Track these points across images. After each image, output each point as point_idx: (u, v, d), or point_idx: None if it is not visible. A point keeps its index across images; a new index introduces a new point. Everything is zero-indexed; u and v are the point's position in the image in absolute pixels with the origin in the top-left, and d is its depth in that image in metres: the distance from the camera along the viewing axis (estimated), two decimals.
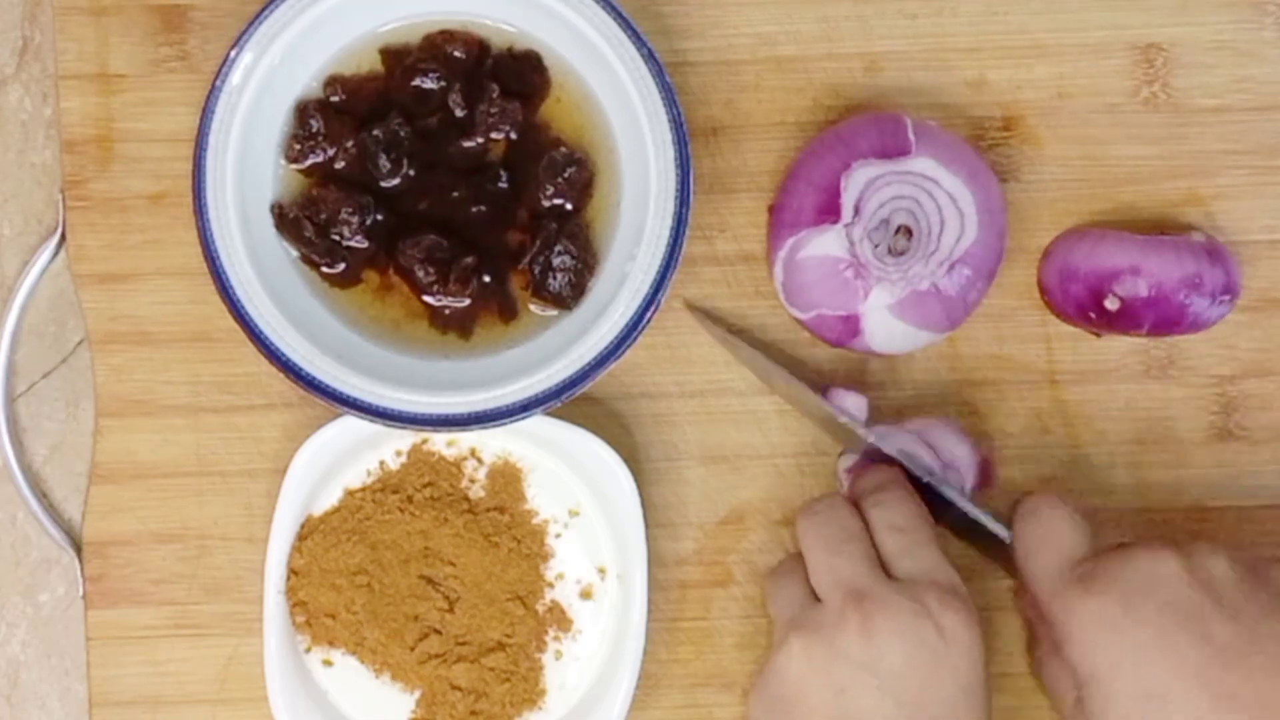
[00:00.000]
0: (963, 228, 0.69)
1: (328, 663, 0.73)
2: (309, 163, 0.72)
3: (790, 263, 0.71)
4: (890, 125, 0.71)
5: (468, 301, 0.72)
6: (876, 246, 0.69)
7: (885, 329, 0.70)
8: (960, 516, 0.70)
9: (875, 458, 0.71)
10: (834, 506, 0.68)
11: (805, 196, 0.71)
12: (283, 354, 0.70)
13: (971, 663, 0.64)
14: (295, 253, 0.72)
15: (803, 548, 0.68)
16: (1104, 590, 0.64)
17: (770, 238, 0.73)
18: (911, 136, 0.70)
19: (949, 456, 0.72)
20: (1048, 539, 0.67)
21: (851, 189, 0.69)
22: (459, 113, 0.72)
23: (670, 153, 0.70)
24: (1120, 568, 0.64)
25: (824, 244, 0.70)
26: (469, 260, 0.71)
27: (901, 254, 0.69)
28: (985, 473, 0.73)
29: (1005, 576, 0.74)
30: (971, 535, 0.71)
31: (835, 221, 0.69)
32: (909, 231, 0.69)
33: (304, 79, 0.72)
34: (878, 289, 0.69)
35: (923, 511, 0.68)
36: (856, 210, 0.69)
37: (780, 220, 0.72)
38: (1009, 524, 0.69)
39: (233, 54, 0.70)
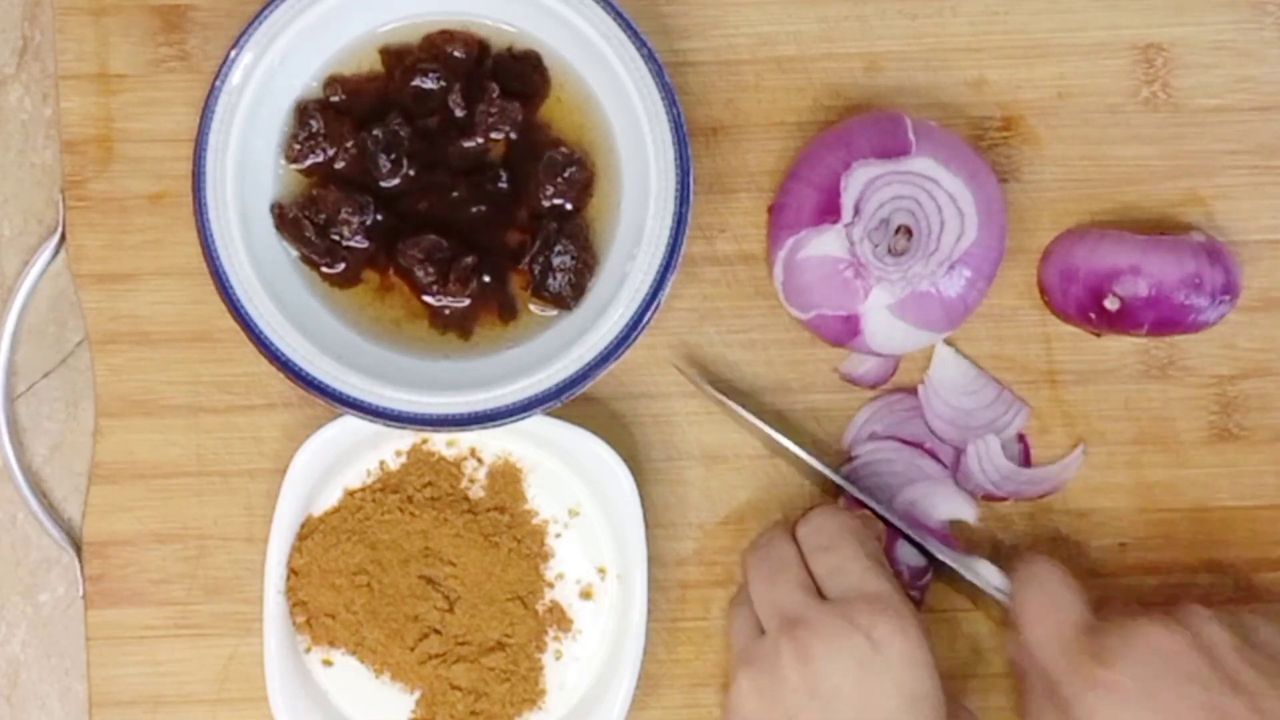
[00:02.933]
0: (963, 228, 0.69)
1: (328, 663, 0.73)
2: (309, 163, 0.72)
3: (790, 263, 0.71)
4: (890, 125, 0.71)
5: (468, 301, 0.72)
6: (876, 246, 0.69)
7: (885, 329, 0.70)
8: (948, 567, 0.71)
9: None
10: (772, 538, 0.70)
11: (805, 196, 0.71)
12: (283, 354, 0.70)
13: (914, 667, 0.64)
14: (295, 253, 0.72)
15: (747, 581, 0.69)
16: (1119, 667, 0.64)
17: (770, 238, 0.73)
18: (911, 136, 0.70)
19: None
20: (1050, 607, 0.68)
21: (851, 189, 0.69)
22: (459, 113, 0.72)
23: (670, 153, 0.70)
24: (1131, 641, 0.65)
25: (824, 244, 0.70)
26: (469, 260, 0.71)
27: (901, 254, 0.69)
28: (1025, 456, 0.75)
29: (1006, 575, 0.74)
30: (957, 580, 0.72)
31: (835, 221, 0.69)
32: (909, 231, 0.69)
33: (304, 79, 0.72)
34: (878, 289, 0.69)
35: (849, 525, 0.69)
36: (856, 210, 0.69)
37: (780, 220, 0.72)
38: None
39: (233, 54, 0.70)
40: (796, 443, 0.72)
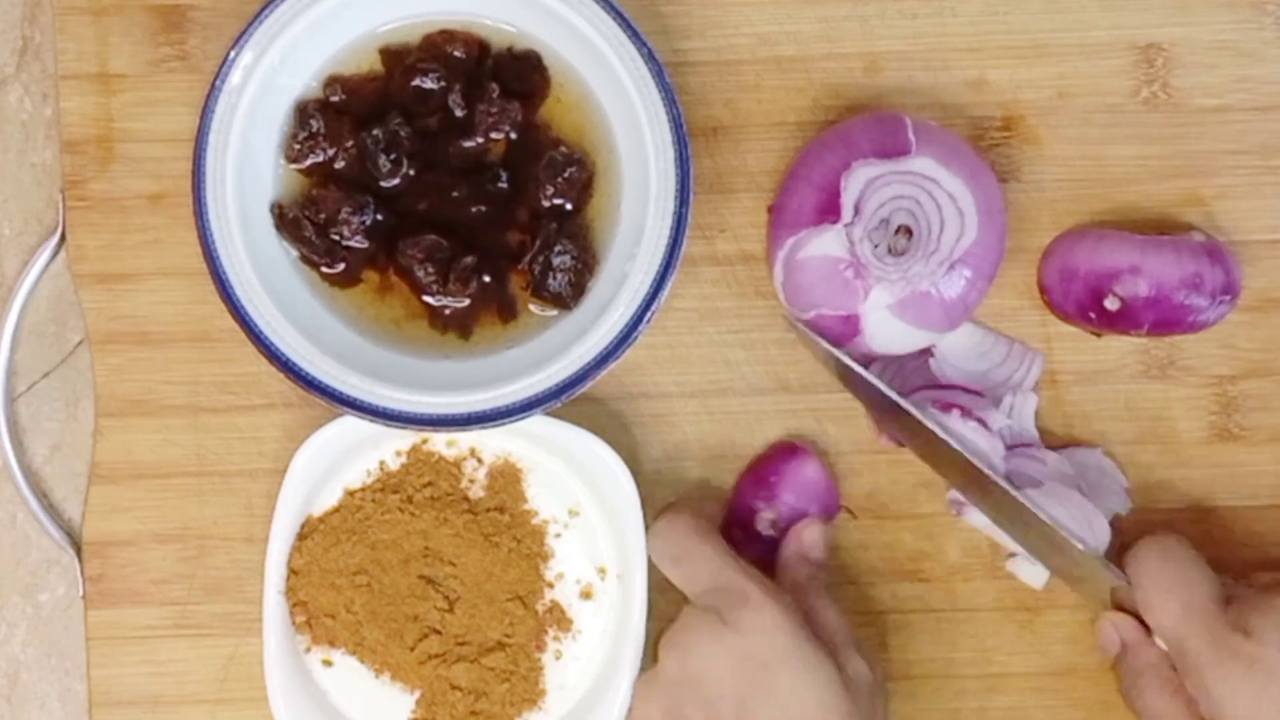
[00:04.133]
0: (963, 228, 0.69)
1: (328, 663, 0.73)
2: (309, 163, 0.72)
3: (790, 263, 0.71)
4: (890, 125, 0.71)
5: (468, 301, 0.72)
6: (876, 246, 0.69)
7: (885, 329, 0.70)
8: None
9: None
10: (667, 528, 0.72)
11: (805, 196, 0.71)
12: (283, 354, 0.70)
13: (773, 641, 0.66)
14: (295, 253, 0.72)
15: None
16: (1264, 637, 0.65)
17: (770, 238, 0.73)
18: (911, 136, 0.70)
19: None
20: (1181, 580, 0.68)
21: (851, 189, 0.69)
22: (459, 113, 0.72)
23: (670, 153, 0.70)
24: (1273, 615, 0.65)
25: (824, 244, 0.70)
26: (469, 260, 0.71)
27: (901, 254, 0.69)
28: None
29: (1010, 575, 0.74)
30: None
31: (835, 221, 0.69)
32: (909, 231, 0.69)
33: (304, 79, 0.72)
34: (877, 289, 0.69)
35: (689, 525, 0.70)
36: (856, 210, 0.69)
37: (780, 220, 0.72)
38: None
39: (233, 54, 0.70)
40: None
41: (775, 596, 0.67)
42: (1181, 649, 0.67)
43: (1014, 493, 0.70)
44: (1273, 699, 0.64)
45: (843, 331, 0.71)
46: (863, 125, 0.71)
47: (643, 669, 0.72)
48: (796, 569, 0.71)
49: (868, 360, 0.74)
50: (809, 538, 0.72)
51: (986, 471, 0.70)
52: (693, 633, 0.67)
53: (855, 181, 0.69)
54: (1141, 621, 0.70)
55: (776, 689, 0.65)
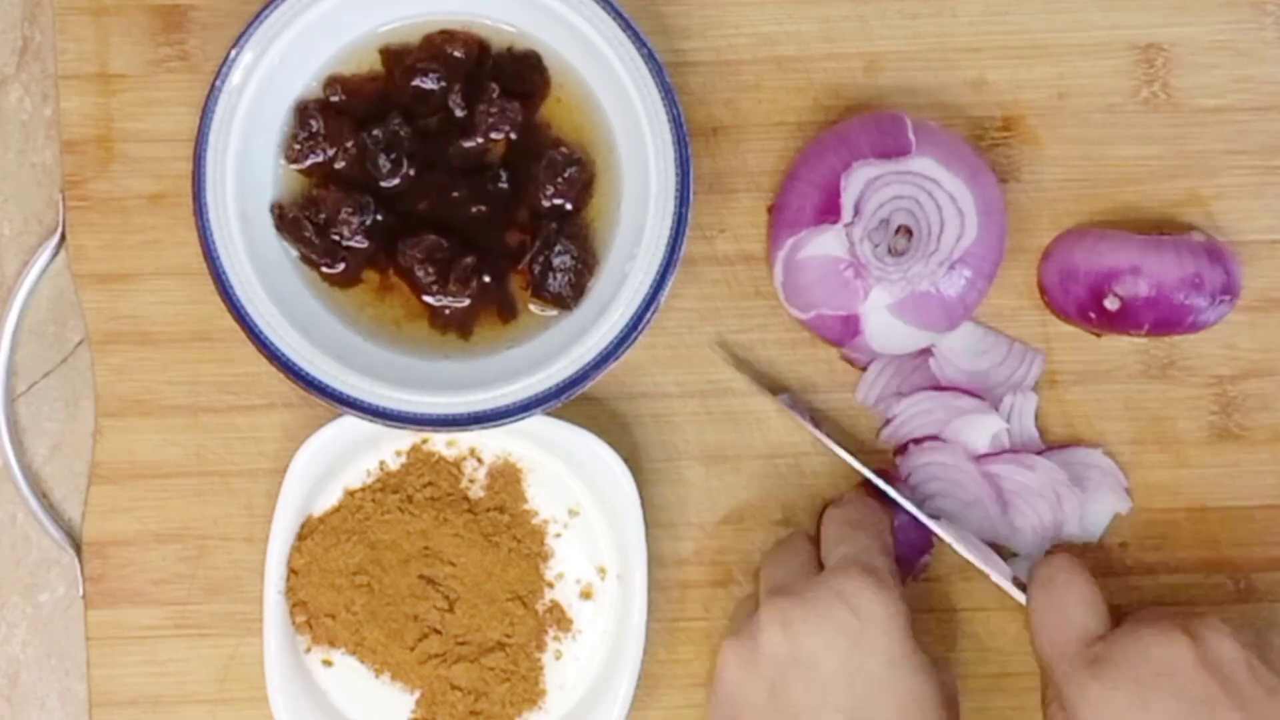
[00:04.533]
0: (963, 228, 0.69)
1: (328, 663, 0.73)
2: (309, 163, 0.72)
3: (790, 263, 0.71)
4: (890, 125, 0.71)
5: (468, 301, 0.72)
6: (876, 246, 0.69)
7: (885, 329, 0.70)
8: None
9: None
10: (790, 540, 0.71)
11: (805, 196, 0.71)
12: (283, 354, 0.70)
13: (891, 636, 0.64)
14: (295, 253, 0.72)
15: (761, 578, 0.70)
16: (1115, 680, 0.64)
17: (770, 238, 0.73)
18: (911, 136, 0.70)
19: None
20: (1062, 613, 0.67)
21: (851, 189, 0.69)
22: (459, 113, 0.72)
23: (670, 153, 0.70)
24: (1129, 654, 0.64)
25: (824, 244, 0.70)
26: (469, 260, 0.71)
27: (901, 254, 0.69)
28: None
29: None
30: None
31: (835, 221, 0.69)
32: (909, 231, 0.69)
33: (304, 79, 0.72)
34: (877, 289, 0.69)
35: (878, 512, 0.70)
36: (856, 210, 0.69)
37: (780, 220, 0.72)
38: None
39: (233, 54, 0.70)
40: (835, 440, 0.73)
41: (901, 595, 0.66)
42: (1051, 678, 0.66)
43: (930, 524, 0.71)
44: None
45: (843, 331, 0.71)
46: (863, 125, 0.71)
47: (643, 669, 0.72)
48: None
49: (868, 360, 0.74)
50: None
51: (907, 506, 0.71)
52: (811, 606, 0.65)
53: (855, 181, 0.69)
54: None
55: (893, 687, 0.64)
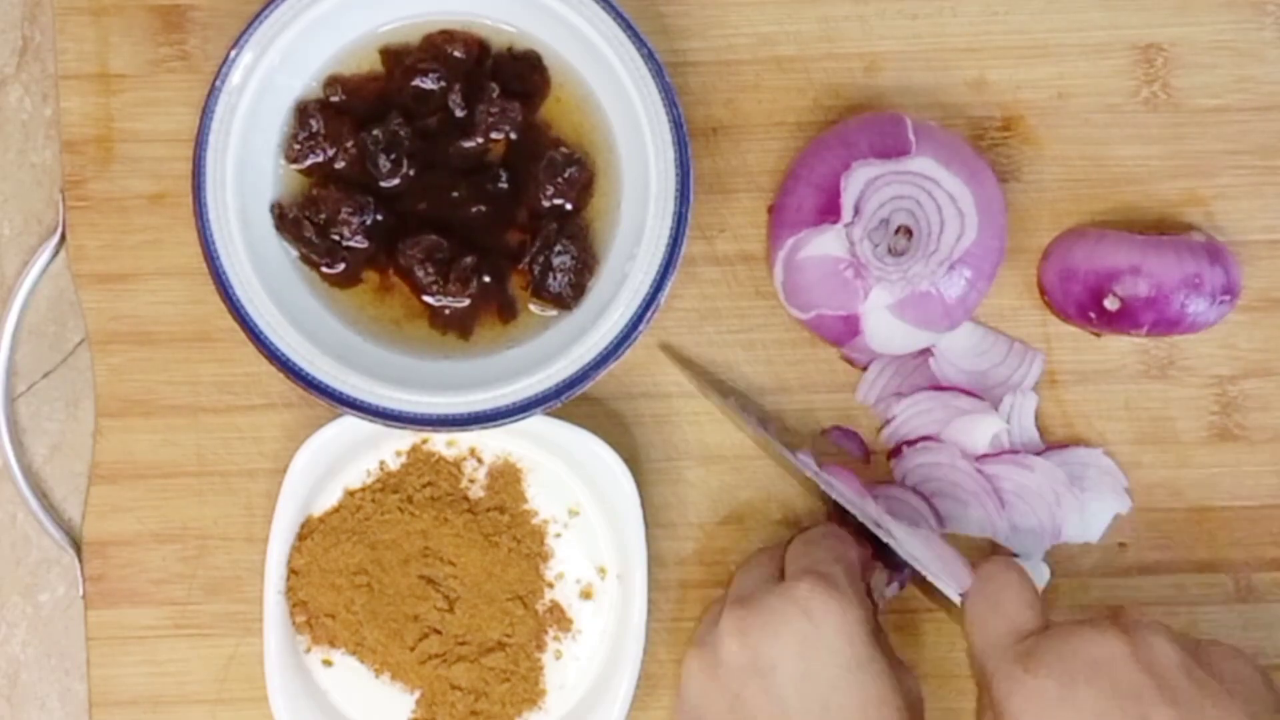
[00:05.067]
0: (963, 228, 0.69)
1: (328, 663, 0.73)
2: (309, 163, 0.72)
3: (790, 263, 0.71)
4: (890, 125, 0.71)
5: (468, 301, 0.72)
6: (876, 246, 0.69)
7: (885, 329, 0.70)
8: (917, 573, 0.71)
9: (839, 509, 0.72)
10: (758, 555, 0.71)
11: (805, 196, 0.71)
12: (283, 354, 0.70)
13: (848, 639, 0.64)
14: (295, 253, 0.72)
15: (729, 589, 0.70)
16: (1043, 672, 0.62)
17: (770, 238, 0.73)
18: (911, 136, 0.70)
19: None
20: (995, 609, 0.66)
21: (851, 189, 0.69)
22: (459, 113, 0.72)
23: (670, 153, 0.70)
24: (1061, 647, 0.63)
25: (824, 244, 0.70)
26: (469, 260, 0.71)
27: (901, 254, 0.69)
28: None
29: None
30: (935, 594, 0.71)
31: (835, 221, 0.69)
32: (909, 231, 0.69)
33: (304, 79, 0.72)
34: (877, 289, 0.69)
35: (839, 535, 0.70)
36: (856, 210, 0.69)
37: (780, 220, 0.72)
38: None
39: (233, 54, 0.70)
40: (784, 443, 0.73)
41: (861, 600, 0.66)
42: (983, 675, 0.65)
43: (882, 533, 0.70)
44: None
45: (843, 331, 0.71)
46: (863, 125, 0.71)
47: (643, 669, 0.72)
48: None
49: (868, 359, 0.74)
50: (875, 581, 0.72)
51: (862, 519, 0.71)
52: (768, 615, 0.65)
53: (855, 181, 0.69)
54: None
55: (851, 691, 0.64)
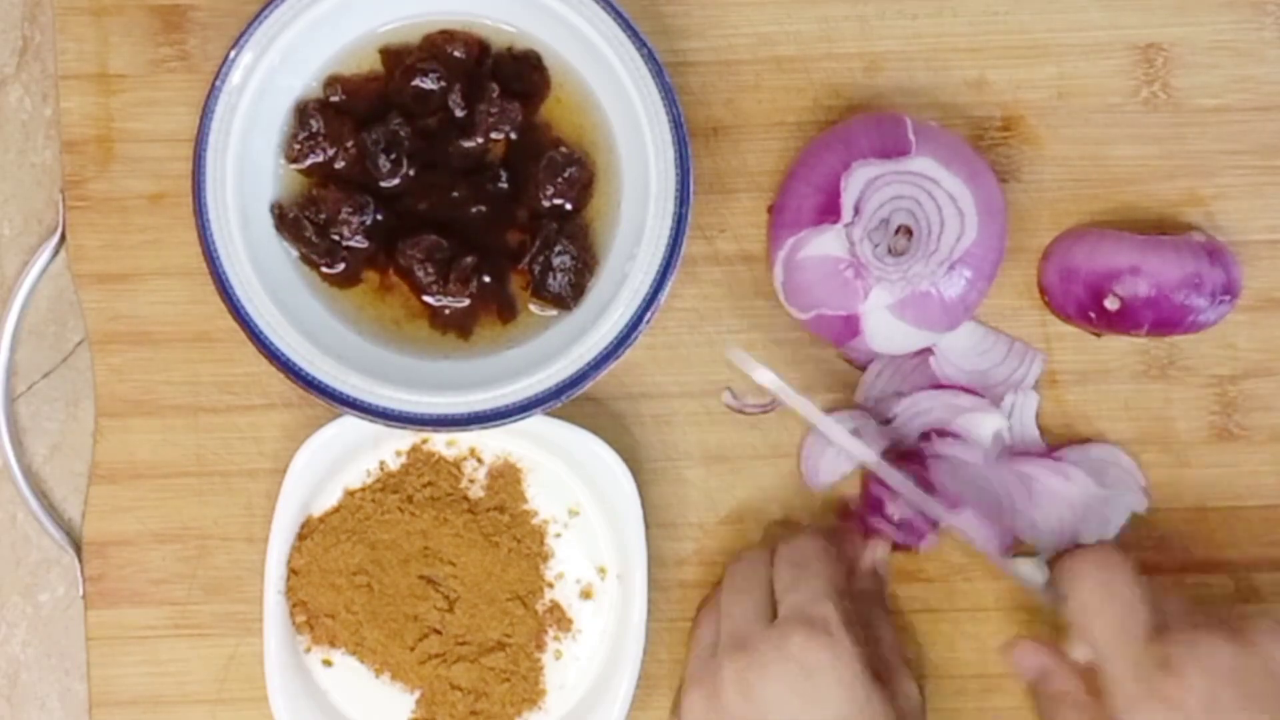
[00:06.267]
0: (963, 228, 0.69)
1: (328, 663, 0.73)
2: (309, 163, 0.72)
3: (790, 263, 0.71)
4: (890, 125, 0.71)
5: (468, 301, 0.72)
6: (876, 246, 0.69)
7: (885, 329, 0.70)
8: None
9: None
10: (751, 557, 0.71)
11: (805, 196, 0.71)
12: (283, 354, 0.70)
13: (844, 684, 0.65)
14: (295, 253, 0.72)
15: (721, 590, 0.70)
16: (1185, 681, 0.63)
17: (770, 238, 0.73)
18: (911, 136, 0.70)
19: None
20: (1111, 598, 0.67)
21: (851, 189, 0.69)
22: (459, 113, 0.72)
23: (670, 153, 0.70)
24: (1199, 656, 0.64)
25: (824, 244, 0.70)
26: (469, 260, 0.71)
27: (901, 254, 0.69)
28: None
29: (1005, 576, 0.74)
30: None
31: (835, 221, 0.69)
32: (909, 231, 0.69)
33: (304, 79, 0.72)
34: (877, 289, 0.69)
35: (822, 548, 0.69)
36: (856, 210, 0.69)
37: (780, 220, 0.72)
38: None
39: (233, 54, 0.70)
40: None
41: (852, 634, 0.66)
42: (1104, 673, 0.66)
43: (946, 519, 0.70)
44: None
45: (843, 331, 0.71)
46: (863, 125, 0.71)
47: (643, 669, 0.72)
48: (866, 580, 0.71)
49: (868, 359, 0.74)
50: (879, 554, 0.72)
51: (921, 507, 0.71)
52: (765, 667, 0.65)
53: (855, 181, 0.69)
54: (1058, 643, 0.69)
55: None
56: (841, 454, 0.73)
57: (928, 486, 0.72)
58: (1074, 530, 0.74)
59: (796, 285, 0.71)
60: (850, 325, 0.70)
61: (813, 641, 0.65)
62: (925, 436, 0.74)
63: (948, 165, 0.70)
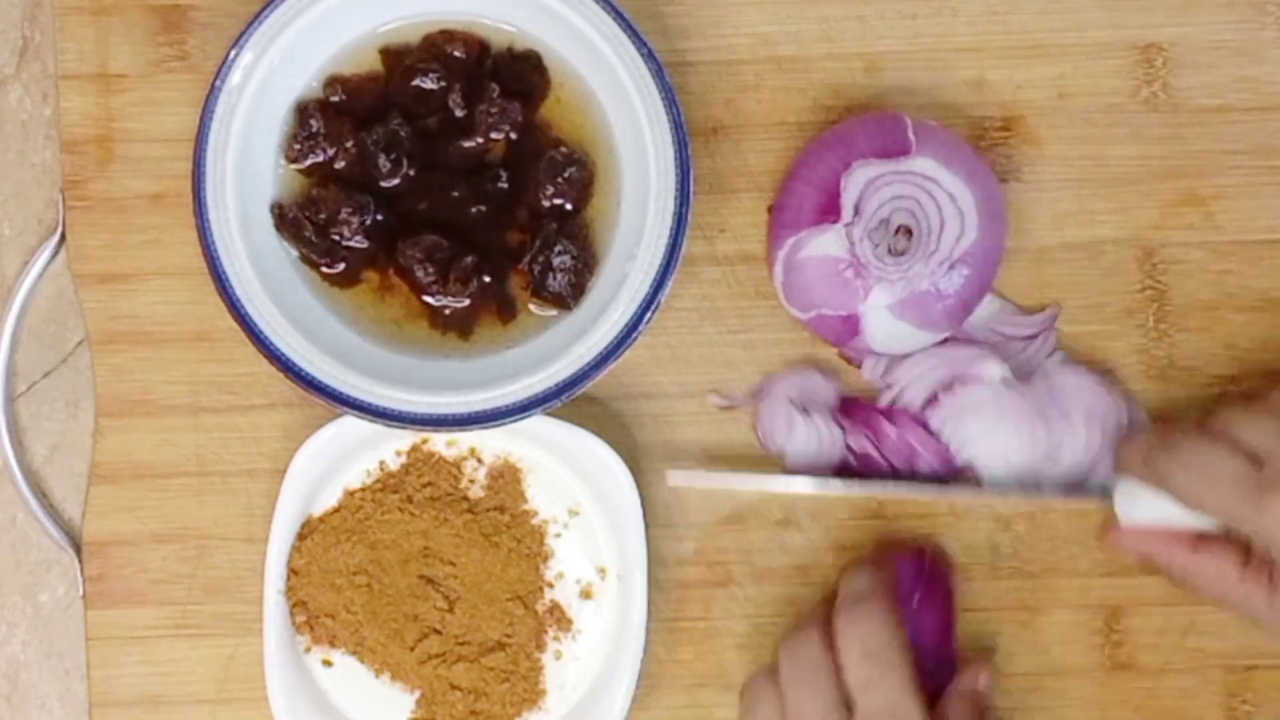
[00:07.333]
0: (963, 228, 0.69)
1: (328, 663, 0.73)
2: (309, 163, 0.72)
3: (790, 263, 0.71)
4: (890, 125, 0.71)
5: (468, 301, 0.72)
6: (876, 246, 0.69)
7: (885, 329, 0.70)
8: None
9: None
10: (807, 640, 0.67)
11: (805, 196, 0.71)
12: (283, 354, 0.70)
13: None
14: (295, 253, 0.72)
15: (780, 674, 0.67)
16: None
17: (770, 238, 0.73)
18: (911, 136, 0.70)
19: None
20: (1209, 465, 0.66)
21: (851, 189, 0.69)
22: (459, 113, 0.72)
23: (670, 153, 0.70)
24: None
25: (824, 244, 0.70)
26: (469, 260, 0.71)
27: (901, 254, 0.69)
28: None
29: (1010, 575, 0.74)
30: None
31: (835, 221, 0.69)
32: (909, 231, 0.69)
33: (304, 79, 0.72)
34: (877, 289, 0.69)
35: (897, 633, 0.66)
36: (856, 210, 0.69)
37: (780, 220, 0.72)
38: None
39: (233, 54, 0.70)
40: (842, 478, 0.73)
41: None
42: (1243, 531, 0.66)
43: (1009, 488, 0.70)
44: None
45: (843, 331, 0.71)
46: (863, 125, 0.71)
47: (643, 669, 0.72)
48: (964, 708, 0.68)
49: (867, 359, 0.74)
50: (984, 681, 0.69)
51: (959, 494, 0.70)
52: None
53: (855, 181, 0.69)
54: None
55: None
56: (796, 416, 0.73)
57: (908, 449, 0.71)
58: (1112, 428, 0.73)
59: (796, 285, 0.71)
60: (850, 325, 0.70)
61: None
62: (932, 400, 0.73)
63: (948, 165, 0.70)
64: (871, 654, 0.66)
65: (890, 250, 0.69)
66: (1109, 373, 0.74)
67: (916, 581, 0.70)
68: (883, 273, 0.69)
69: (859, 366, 0.75)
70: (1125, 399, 0.74)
